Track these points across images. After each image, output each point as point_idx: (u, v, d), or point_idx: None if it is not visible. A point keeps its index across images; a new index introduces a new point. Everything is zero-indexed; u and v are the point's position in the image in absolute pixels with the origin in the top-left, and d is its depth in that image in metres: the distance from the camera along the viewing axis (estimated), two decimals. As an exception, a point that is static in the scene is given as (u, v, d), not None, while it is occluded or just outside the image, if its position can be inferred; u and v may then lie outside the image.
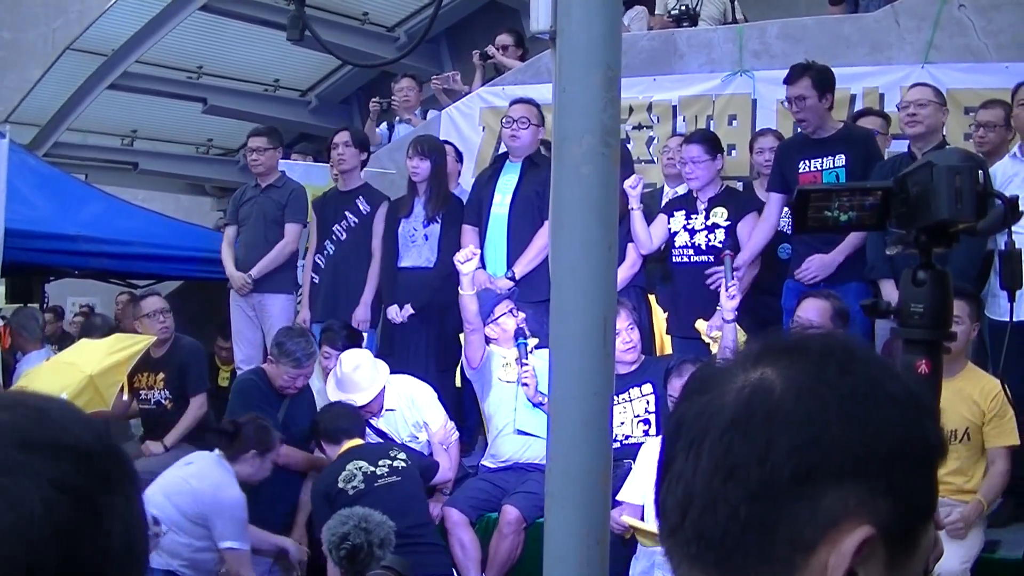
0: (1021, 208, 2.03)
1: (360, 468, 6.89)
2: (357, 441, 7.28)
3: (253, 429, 6.97)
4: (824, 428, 1.19)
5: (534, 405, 7.53)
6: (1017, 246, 2.16)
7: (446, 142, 9.89)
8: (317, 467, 7.64)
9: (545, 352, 7.52)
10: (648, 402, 7.24)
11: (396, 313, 8.81)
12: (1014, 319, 2.61)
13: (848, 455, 1.18)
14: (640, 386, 7.36)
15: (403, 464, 7.03)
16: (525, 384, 7.54)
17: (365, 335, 8.86)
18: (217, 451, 6.92)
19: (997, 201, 2.03)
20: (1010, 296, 2.19)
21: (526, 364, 7.56)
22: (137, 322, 8.91)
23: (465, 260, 7.72)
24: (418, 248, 8.93)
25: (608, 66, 2.46)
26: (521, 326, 7.71)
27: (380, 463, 6.95)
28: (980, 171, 1.99)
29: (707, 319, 7.84)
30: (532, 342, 7.66)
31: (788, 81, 7.87)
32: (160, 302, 9.00)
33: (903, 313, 2.09)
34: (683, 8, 10.58)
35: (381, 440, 7.67)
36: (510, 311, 7.84)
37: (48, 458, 1.15)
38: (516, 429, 7.61)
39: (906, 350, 2.10)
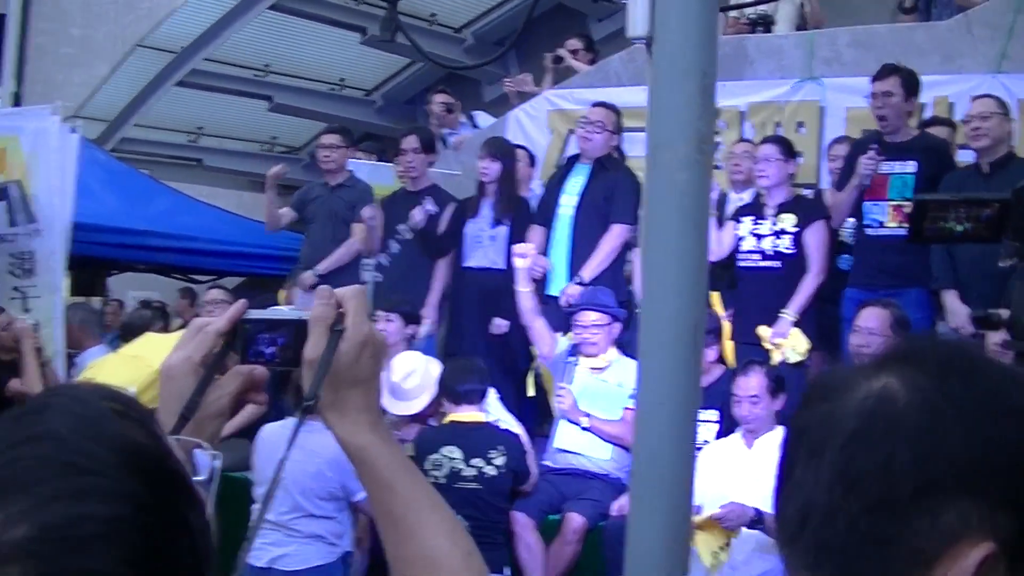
0: None
1: (451, 460, 6.77)
2: (476, 415, 7.08)
3: None
4: (946, 441, 1.17)
5: (570, 422, 7.47)
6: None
7: (520, 146, 9.90)
8: None
9: (621, 364, 7.56)
10: (709, 430, 7.12)
11: (497, 325, 8.77)
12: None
13: (970, 469, 1.17)
14: (704, 410, 7.20)
15: (494, 473, 6.85)
16: (560, 403, 7.45)
17: (427, 323, 8.81)
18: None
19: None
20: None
21: (562, 387, 7.47)
22: (198, 313, 8.93)
23: (520, 255, 7.69)
24: (484, 249, 8.94)
25: (704, 73, 2.45)
26: (577, 341, 7.62)
27: (473, 462, 6.81)
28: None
29: (771, 326, 7.80)
30: (602, 358, 7.59)
31: (876, 78, 7.83)
32: (220, 294, 9.10)
33: (1017, 325, 2.05)
34: (758, 13, 10.55)
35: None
36: (595, 324, 7.61)
37: (132, 460, 1.12)
38: (555, 448, 7.56)
39: (1020, 363, 2.06)
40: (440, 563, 1.61)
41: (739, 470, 6.42)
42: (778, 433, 6.51)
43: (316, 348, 1.59)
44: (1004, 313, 2.08)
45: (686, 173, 2.44)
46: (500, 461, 6.90)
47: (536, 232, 8.78)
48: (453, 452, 6.80)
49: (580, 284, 8.23)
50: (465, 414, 7.04)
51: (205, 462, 1.60)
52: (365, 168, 10.74)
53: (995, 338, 5.74)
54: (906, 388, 1.21)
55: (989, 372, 1.24)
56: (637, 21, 2.55)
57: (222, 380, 1.68)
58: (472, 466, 6.80)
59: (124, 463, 1.10)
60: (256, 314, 1.69)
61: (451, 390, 7.12)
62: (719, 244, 8.11)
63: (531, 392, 8.30)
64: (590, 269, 8.31)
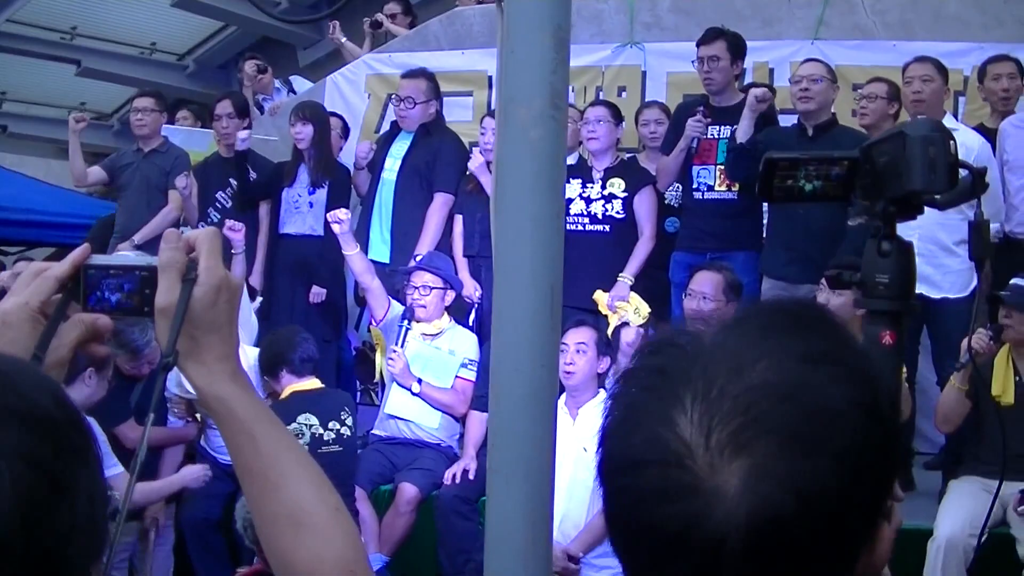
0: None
1: (311, 427, 6.68)
2: (315, 383, 7.00)
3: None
4: None
5: (401, 386, 7.40)
6: (985, 216, 2.13)
7: (334, 114, 9.76)
8: (180, 440, 7.33)
9: (453, 333, 7.52)
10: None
11: (316, 294, 8.67)
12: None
13: None
14: None
15: (348, 433, 6.86)
16: (391, 367, 7.35)
17: (259, 299, 8.67)
18: None
19: (964, 172, 1.99)
20: (978, 267, 2.16)
21: (395, 350, 7.36)
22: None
23: (336, 221, 7.58)
24: (302, 215, 8.80)
25: (558, 27, 2.37)
26: (419, 303, 7.51)
27: (330, 425, 6.76)
28: (952, 142, 1.95)
29: (605, 290, 7.81)
30: (436, 324, 7.53)
31: (702, 42, 7.90)
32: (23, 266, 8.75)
33: (867, 284, 2.05)
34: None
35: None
36: (426, 286, 7.56)
37: (13, 428, 1.08)
38: (386, 413, 7.48)
39: (870, 321, 2.06)
40: (306, 519, 1.57)
41: (563, 443, 6.37)
42: (601, 399, 6.53)
43: (168, 295, 1.51)
44: (855, 273, 2.08)
45: (540, 130, 2.37)
46: (350, 421, 6.92)
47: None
48: (310, 419, 6.71)
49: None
50: (307, 383, 6.95)
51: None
52: (180, 134, 10.45)
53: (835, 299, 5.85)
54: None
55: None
56: (486, -21, 2.46)
57: (62, 328, 1.56)
58: (330, 429, 6.76)
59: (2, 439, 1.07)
60: (100, 259, 1.59)
61: (289, 360, 6.95)
62: None
63: (377, 377, 8.16)
64: (426, 244, 8.30)
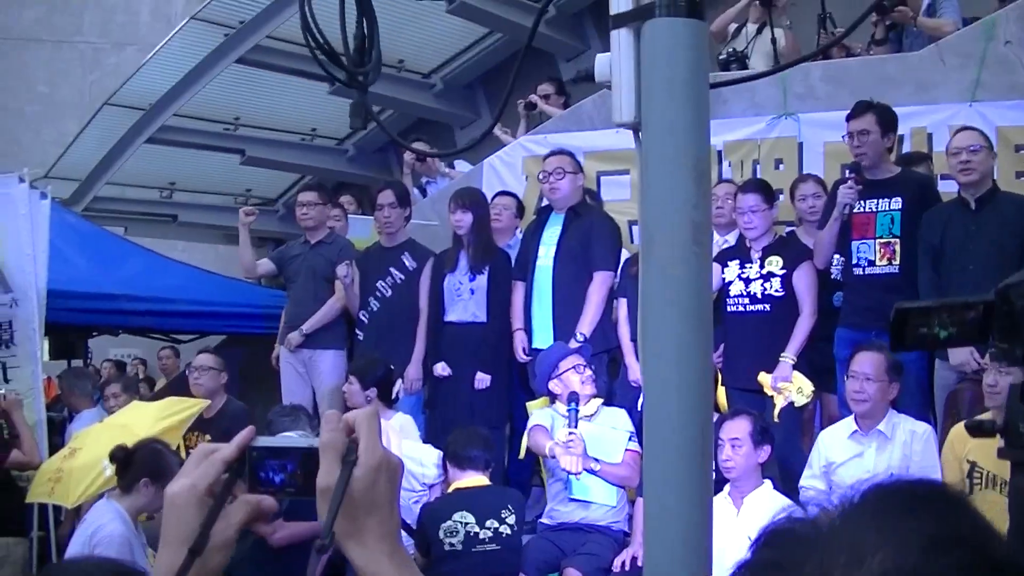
0: None
1: (465, 524, 6.71)
2: (478, 479, 7.06)
3: (145, 454, 6.48)
4: None
5: (586, 471, 7.33)
6: None
7: (510, 193, 9.91)
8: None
9: (606, 411, 7.50)
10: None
11: (480, 380, 8.74)
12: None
13: None
14: None
15: (509, 532, 6.84)
16: (570, 451, 7.21)
17: (400, 392, 8.71)
18: (106, 495, 6.59)
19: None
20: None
21: (573, 433, 7.24)
22: (185, 373, 8.85)
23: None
24: (464, 302, 8.87)
25: (698, 159, 2.33)
26: (577, 389, 7.48)
27: (487, 523, 6.76)
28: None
29: (768, 371, 7.74)
30: (591, 405, 7.51)
31: (852, 116, 7.79)
32: (206, 359, 8.97)
33: (1011, 432, 1.97)
34: (731, 52, 10.54)
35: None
36: (575, 367, 7.55)
37: None
38: (569, 497, 7.42)
39: (1015, 472, 1.98)
40: None
41: (728, 535, 6.30)
42: (765, 490, 6.45)
43: (328, 476, 1.54)
44: (997, 420, 1.99)
45: (683, 267, 2.32)
46: (512, 520, 6.88)
47: (518, 288, 8.78)
48: (466, 517, 6.74)
49: (583, 342, 8.15)
50: (470, 479, 7.00)
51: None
52: (355, 223, 10.65)
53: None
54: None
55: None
56: (623, 106, 2.43)
57: (228, 509, 1.60)
58: (487, 528, 6.76)
59: None
60: (264, 441, 1.64)
61: (457, 456, 7.10)
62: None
63: (522, 454, 8.09)
64: (587, 323, 8.28)
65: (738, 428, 6.45)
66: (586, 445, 7.22)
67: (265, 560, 6.42)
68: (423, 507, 7.06)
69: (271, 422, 7.51)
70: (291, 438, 1.72)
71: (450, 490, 7.05)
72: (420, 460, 7.66)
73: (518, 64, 3.13)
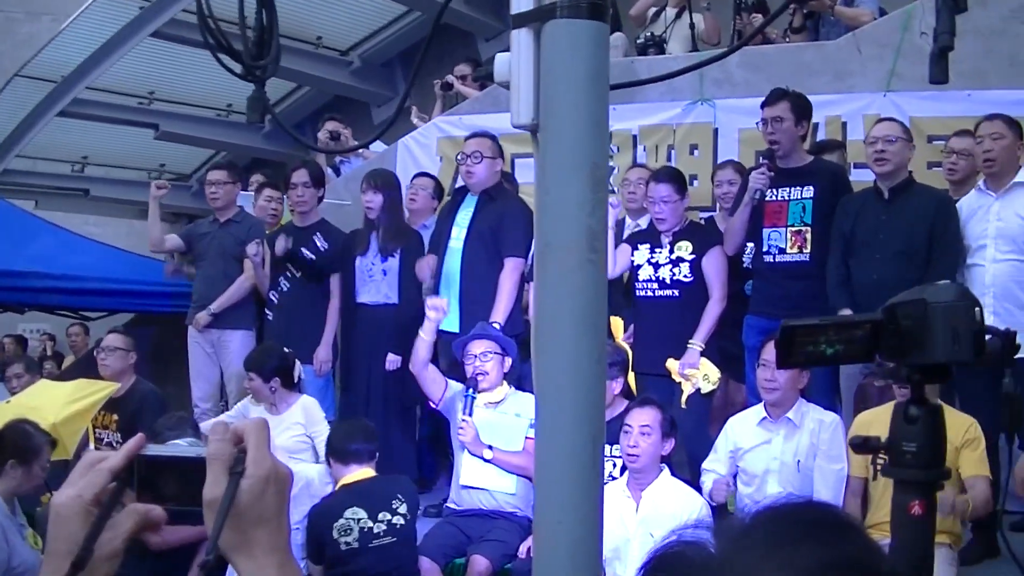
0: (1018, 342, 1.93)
1: (358, 520, 6.50)
2: (366, 472, 6.79)
3: (11, 435, 6.37)
4: None
5: (472, 455, 7.31)
6: (1016, 387, 2.05)
7: (429, 175, 9.89)
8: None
9: (514, 397, 7.46)
10: (615, 465, 7.01)
11: (391, 361, 8.69)
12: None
13: None
14: (611, 445, 6.85)
15: (402, 522, 6.65)
16: (461, 436, 7.28)
17: (301, 374, 8.66)
18: None
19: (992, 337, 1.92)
20: (1008, 441, 2.07)
21: (465, 420, 7.29)
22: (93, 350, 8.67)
23: (432, 308, 7.59)
24: (376, 284, 8.82)
25: (595, 165, 2.30)
26: (478, 376, 7.47)
27: (380, 516, 6.58)
28: (976, 308, 1.87)
29: (676, 357, 7.74)
30: (498, 392, 7.47)
31: (766, 103, 7.79)
32: (114, 340, 8.76)
33: (894, 451, 1.97)
34: (648, 36, 10.53)
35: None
36: (482, 353, 7.48)
37: None
38: (461, 484, 7.40)
39: (898, 491, 1.97)
40: None
41: (627, 529, 6.33)
42: (664, 480, 6.45)
43: (214, 489, 1.50)
44: (881, 438, 1.99)
45: (579, 275, 2.31)
46: (404, 508, 6.71)
47: (429, 260, 8.76)
48: (357, 512, 6.54)
49: (500, 328, 8.08)
50: (356, 474, 6.79)
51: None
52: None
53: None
54: None
55: None
56: (522, 108, 2.39)
57: (116, 519, 1.56)
58: (380, 521, 6.58)
59: None
60: (153, 450, 1.60)
61: (339, 451, 6.86)
62: (613, 263, 8.00)
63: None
64: (500, 312, 8.18)
65: (648, 416, 6.42)
66: (485, 432, 7.24)
67: (142, 564, 6.23)
68: (311, 510, 6.78)
69: (158, 433, 7.28)
70: (180, 447, 1.67)
71: (337, 487, 6.84)
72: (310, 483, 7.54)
73: (424, 46, 3.07)
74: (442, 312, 7.60)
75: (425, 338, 7.59)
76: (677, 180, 8.11)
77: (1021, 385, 6.57)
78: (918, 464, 1.95)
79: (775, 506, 1.22)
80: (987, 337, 1.88)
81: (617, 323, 8.33)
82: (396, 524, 6.61)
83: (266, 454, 1.54)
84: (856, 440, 2.17)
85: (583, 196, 2.31)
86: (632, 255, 8.08)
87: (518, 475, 7.28)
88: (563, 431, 2.33)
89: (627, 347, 8.12)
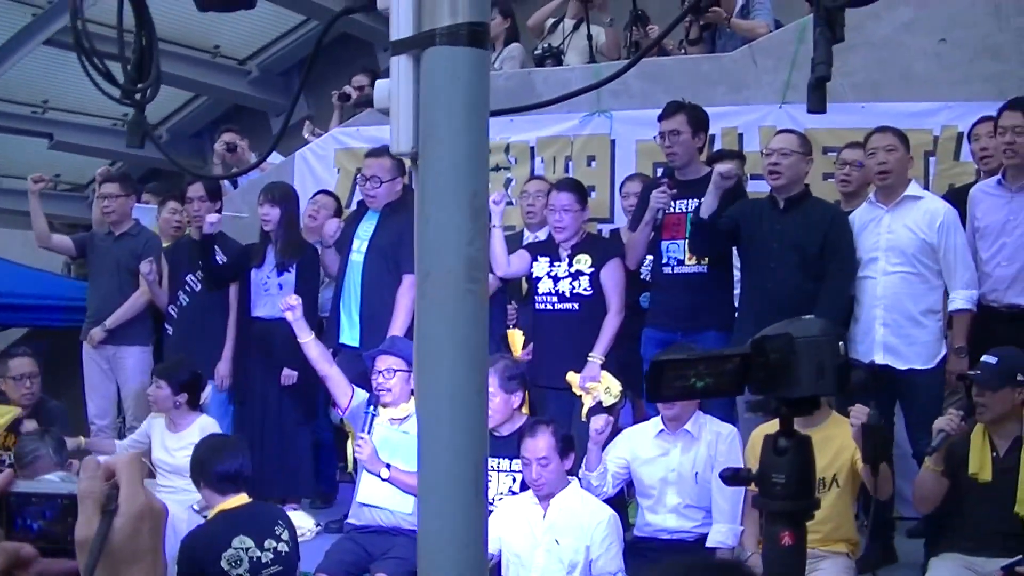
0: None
1: (247, 550, 6.10)
2: (243, 499, 6.35)
3: None
4: None
5: (370, 472, 7.22)
6: (880, 419, 2.07)
7: (330, 194, 9.85)
8: None
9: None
10: (515, 480, 7.01)
11: (287, 376, 8.65)
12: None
13: None
14: (511, 459, 7.00)
15: (286, 549, 6.31)
16: (358, 453, 7.19)
17: (209, 387, 8.59)
18: None
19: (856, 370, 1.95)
20: (872, 472, 2.10)
21: (362, 437, 7.20)
22: (2, 380, 8.39)
23: (287, 308, 7.57)
24: (272, 297, 8.73)
25: (475, 193, 2.28)
26: (380, 392, 7.39)
27: (266, 544, 6.20)
28: (840, 343, 1.89)
29: (577, 370, 7.75)
30: (403, 408, 7.37)
31: (663, 116, 7.85)
32: (29, 365, 8.38)
33: (765, 482, 1.98)
34: (546, 47, 10.55)
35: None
36: (386, 370, 7.33)
37: None
38: (359, 502, 7.33)
39: (769, 522, 1.99)
40: None
41: (535, 536, 6.35)
42: (572, 489, 6.47)
43: (86, 528, 1.47)
44: (752, 470, 2.01)
45: (458, 305, 2.29)
46: (286, 535, 6.41)
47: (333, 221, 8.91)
48: (245, 541, 6.13)
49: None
50: (233, 500, 6.36)
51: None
52: (152, 213, 10.40)
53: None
54: None
55: None
56: (401, 135, 2.37)
57: None
58: (267, 549, 6.22)
59: None
60: (23, 486, 1.57)
61: (217, 475, 6.36)
62: (508, 262, 8.00)
63: (349, 451, 7.95)
64: (398, 327, 8.10)
65: (542, 445, 6.37)
66: (386, 449, 7.18)
67: None
68: (188, 542, 6.20)
69: (20, 455, 7.07)
70: (52, 483, 1.63)
71: (212, 515, 6.40)
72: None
73: (309, 62, 3.03)
74: (295, 309, 7.56)
75: (305, 339, 7.56)
76: (578, 190, 8.14)
77: (927, 396, 6.75)
78: (787, 495, 1.96)
79: (679, 563, 1.22)
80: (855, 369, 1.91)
81: (516, 337, 8.34)
82: (281, 552, 6.30)
83: (139, 490, 1.50)
84: (726, 472, 2.18)
85: (463, 225, 2.30)
86: (530, 266, 8.08)
87: (415, 496, 7.21)
88: (445, 460, 2.32)
89: (522, 355, 8.14)
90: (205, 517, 6.63)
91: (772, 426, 1.99)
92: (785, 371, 1.90)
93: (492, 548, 6.39)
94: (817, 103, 2.40)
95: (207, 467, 6.39)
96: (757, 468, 2.00)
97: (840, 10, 2.36)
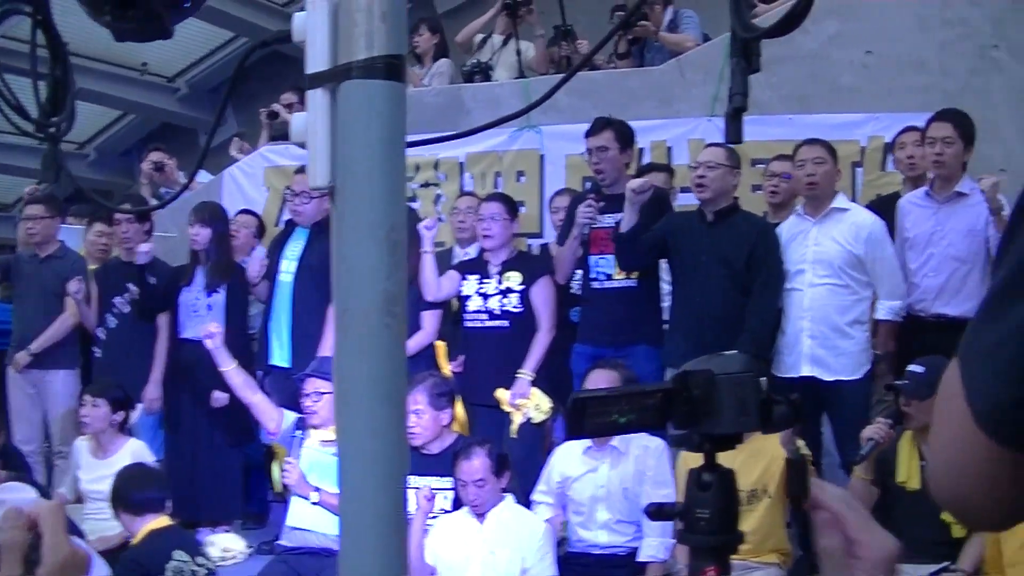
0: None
1: (187, 564, 6.21)
2: (163, 520, 6.46)
3: None
4: None
5: (300, 496, 7.16)
6: (803, 451, 2.08)
7: (251, 213, 9.75)
8: None
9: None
10: (447, 497, 6.95)
11: (216, 399, 8.53)
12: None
13: None
14: (441, 477, 6.92)
15: (212, 567, 6.46)
16: (286, 478, 7.14)
17: (139, 406, 8.50)
18: None
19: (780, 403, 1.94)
20: (794, 506, 2.10)
21: (290, 462, 7.16)
22: None
23: (207, 336, 7.54)
24: (201, 319, 8.63)
25: (392, 227, 2.27)
26: (309, 415, 7.30)
27: (199, 561, 6.32)
28: (762, 379, 1.89)
29: (507, 387, 7.75)
30: (331, 431, 7.30)
31: (590, 133, 7.85)
32: None
33: (688, 518, 1.97)
34: (475, 63, 10.55)
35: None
36: (314, 392, 7.26)
37: None
38: (289, 526, 7.26)
39: (693, 557, 1.99)
40: None
41: (471, 547, 6.35)
42: (507, 504, 6.47)
43: None
44: (678, 505, 2.00)
45: (377, 338, 2.28)
46: (208, 556, 6.57)
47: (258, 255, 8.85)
48: (183, 556, 6.25)
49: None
50: (156, 522, 6.44)
51: None
52: (77, 234, 10.26)
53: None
54: None
55: None
56: (319, 169, 2.35)
57: None
58: (200, 565, 6.35)
59: None
60: None
61: (131, 502, 6.44)
62: (439, 286, 7.99)
63: (275, 474, 7.92)
64: (328, 348, 8.02)
65: (477, 466, 6.39)
66: (316, 472, 7.11)
67: None
68: (131, 555, 6.36)
69: None
70: None
71: (142, 535, 6.41)
72: None
73: (230, 85, 3.00)
74: (215, 337, 7.53)
75: (226, 367, 7.52)
76: (507, 202, 8.19)
77: (853, 407, 6.78)
78: (711, 530, 1.96)
79: None
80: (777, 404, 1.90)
81: (441, 347, 8.30)
82: (212, 569, 6.44)
83: (63, 539, 1.48)
84: (651, 507, 2.18)
85: (380, 260, 2.28)
86: (460, 284, 8.06)
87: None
88: (365, 496, 2.30)
89: (450, 368, 8.11)
90: None
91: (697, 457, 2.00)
92: (707, 407, 1.90)
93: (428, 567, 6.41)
94: (735, 134, 2.40)
95: (123, 494, 6.47)
96: (682, 501, 2.00)
97: (756, 41, 2.35)
